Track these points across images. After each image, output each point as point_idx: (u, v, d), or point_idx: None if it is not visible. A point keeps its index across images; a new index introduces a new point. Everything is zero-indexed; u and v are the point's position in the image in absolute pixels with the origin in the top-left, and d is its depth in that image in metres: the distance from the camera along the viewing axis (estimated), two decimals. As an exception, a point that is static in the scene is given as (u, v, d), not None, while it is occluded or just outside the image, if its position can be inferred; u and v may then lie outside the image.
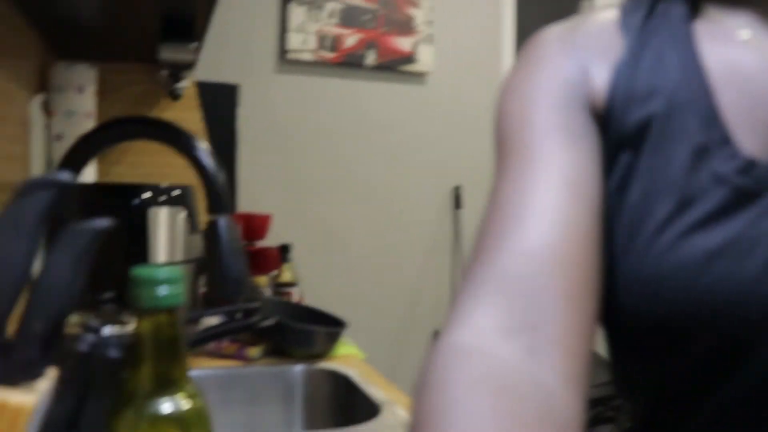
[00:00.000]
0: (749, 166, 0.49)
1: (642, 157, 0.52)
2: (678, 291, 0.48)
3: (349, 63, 2.88)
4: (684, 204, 0.49)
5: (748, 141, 0.50)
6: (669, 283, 0.48)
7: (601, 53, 0.56)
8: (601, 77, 0.55)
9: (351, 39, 2.87)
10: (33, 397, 0.39)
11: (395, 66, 2.94)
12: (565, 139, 0.52)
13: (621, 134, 0.53)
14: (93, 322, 0.42)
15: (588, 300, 0.47)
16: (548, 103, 0.54)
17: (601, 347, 0.57)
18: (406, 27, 2.95)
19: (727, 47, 0.54)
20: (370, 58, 2.90)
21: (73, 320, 1.08)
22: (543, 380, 0.41)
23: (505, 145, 0.55)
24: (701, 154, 0.50)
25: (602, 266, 0.51)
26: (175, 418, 0.44)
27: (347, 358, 1.28)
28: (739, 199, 0.48)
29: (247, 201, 2.77)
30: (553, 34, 0.59)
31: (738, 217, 0.48)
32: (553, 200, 0.49)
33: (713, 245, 0.47)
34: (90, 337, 0.41)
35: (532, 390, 0.40)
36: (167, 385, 0.44)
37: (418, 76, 3.03)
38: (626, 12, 0.59)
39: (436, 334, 3.08)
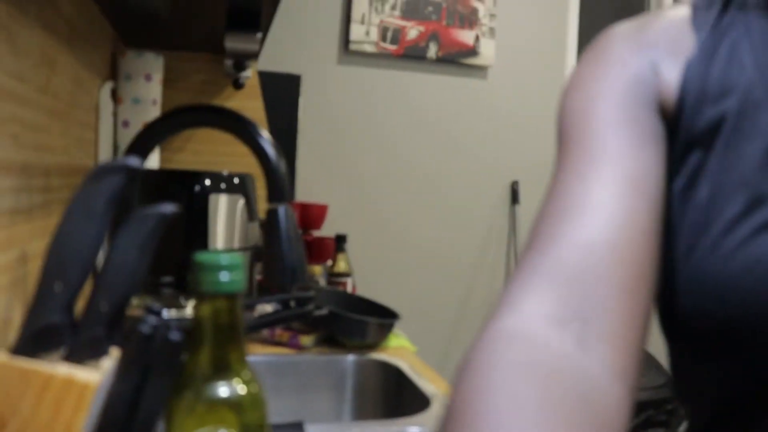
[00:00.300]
0: None
1: (712, 156, 0.51)
2: (746, 292, 0.46)
3: (411, 55, 2.87)
4: (755, 202, 0.48)
5: None
6: (736, 282, 0.46)
7: (672, 50, 0.55)
8: (671, 75, 0.54)
9: (413, 31, 2.86)
10: (98, 374, 0.40)
11: (457, 59, 2.93)
12: (629, 136, 0.51)
13: (692, 133, 0.52)
14: (155, 305, 0.43)
15: (642, 296, 0.46)
16: (615, 100, 0.53)
17: (654, 349, 0.56)
18: (468, 20, 2.92)
19: None
20: (432, 51, 2.89)
21: (135, 302, 1.12)
22: (589, 371, 0.40)
23: (568, 138, 0.54)
24: None
25: (658, 265, 0.50)
26: (232, 402, 0.44)
27: (398, 349, 1.29)
28: None
29: (305, 191, 2.80)
30: (622, 31, 0.58)
31: None
32: (613, 194, 0.48)
33: None
34: (152, 320, 0.42)
35: (577, 379, 0.39)
36: (225, 369, 0.45)
37: (480, 70, 3.00)
38: (699, 8, 0.57)
39: (488, 331, 3.06)
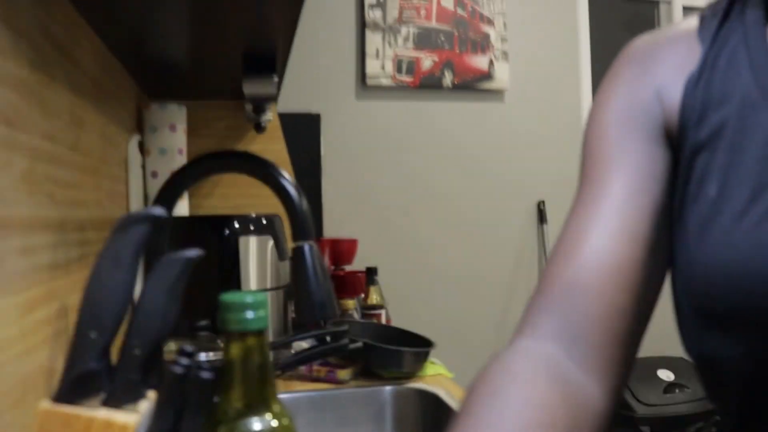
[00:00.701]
0: None
1: (717, 156, 0.54)
2: (754, 275, 0.49)
3: (427, 85, 2.90)
4: (759, 191, 0.51)
5: None
6: (745, 267, 0.50)
7: (678, 67, 0.59)
8: (674, 97, 0.59)
9: (427, 61, 2.90)
10: (136, 416, 0.42)
11: (473, 85, 2.95)
12: (631, 161, 0.57)
13: (697, 141, 0.56)
14: (187, 347, 0.45)
15: (637, 304, 0.54)
16: (620, 128, 0.59)
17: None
18: (480, 45, 2.95)
19: None
20: (448, 79, 2.92)
21: (173, 347, 1.14)
22: (573, 375, 0.51)
23: (583, 163, 0.61)
24: None
25: (658, 279, 0.57)
26: (266, 435, 0.46)
27: (436, 377, 1.29)
28: None
29: (333, 226, 2.82)
30: (634, 51, 0.63)
31: None
32: (617, 214, 0.55)
33: None
34: (185, 361, 0.44)
35: (562, 380, 0.50)
36: (257, 404, 0.46)
37: (496, 94, 3.02)
38: (706, 18, 0.61)
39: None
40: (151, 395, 0.44)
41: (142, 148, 1.47)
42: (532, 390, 0.48)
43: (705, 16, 0.61)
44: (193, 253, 0.44)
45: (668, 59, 0.60)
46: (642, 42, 0.63)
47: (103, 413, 0.41)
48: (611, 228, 0.55)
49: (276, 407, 0.47)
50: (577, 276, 0.53)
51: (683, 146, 0.57)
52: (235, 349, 0.46)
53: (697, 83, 0.57)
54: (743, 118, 0.53)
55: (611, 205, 0.56)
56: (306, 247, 0.83)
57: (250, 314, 0.45)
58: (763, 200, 0.50)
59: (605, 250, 0.53)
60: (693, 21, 0.62)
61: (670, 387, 2.63)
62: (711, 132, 0.55)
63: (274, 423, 0.46)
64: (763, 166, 0.51)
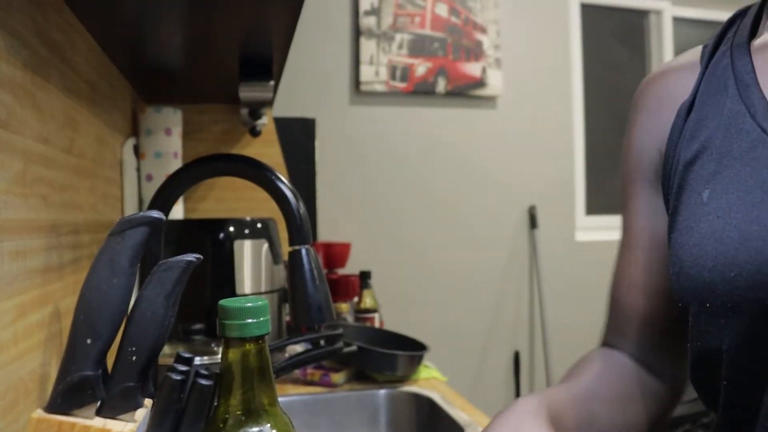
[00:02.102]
0: None
1: (707, 164, 0.59)
2: (742, 268, 0.53)
3: (421, 91, 2.89)
4: (744, 192, 0.55)
5: None
6: (732, 255, 0.54)
7: (681, 97, 0.65)
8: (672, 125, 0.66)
9: (421, 68, 2.89)
10: (132, 426, 0.40)
11: (465, 91, 2.94)
12: (646, 183, 0.69)
13: (688, 156, 0.62)
14: (185, 352, 0.43)
15: (661, 300, 0.67)
16: (639, 153, 0.69)
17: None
18: (474, 53, 2.95)
19: None
20: (441, 85, 2.91)
21: (168, 351, 1.12)
22: (641, 374, 0.68)
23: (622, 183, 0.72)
24: (754, 144, 0.56)
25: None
26: (265, 444, 0.44)
27: (429, 380, 1.27)
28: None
29: (327, 231, 2.81)
30: (649, 86, 0.70)
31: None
32: (639, 233, 0.69)
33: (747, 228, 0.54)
34: (182, 367, 0.42)
35: (636, 374, 0.68)
36: (256, 411, 0.45)
37: (489, 100, 3.01)
38: (706, 47, 0.67)
39: (516, 355, 3.02)
40: (148, 403, 0.43)
41: (138, 152, 1.45)
42: (617, 365, 0.67)
43: (706, 44, 0.68)
44: (192, 258, 0.42)
45: (677, 90, 0.67)
46: (655, 77, 0.71)
47: (99, 423, 0.40)
48: (641, 237, 0.69)
49: (277, 414, 0.45)
50: (623, 293, 0.71)
51: (673, 162, 0.63)
52: (235, 356, 0.44)
53: (690, 108, 0.64)
54: (728, 128, 0.58)
55: (638, 220, 0.70)
56: (303, 251, 0.81)
57: (249, 320, 0.44)
58: (748, 199, 0.54)
59: (640, 260, 0.69)
60: (697, 51, 0.68)
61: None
62: (701, 146, 0.60)
63: (273, 430, 0.45)
64: (749, 169, 0.55)
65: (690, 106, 0.64)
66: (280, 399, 0.47)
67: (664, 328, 0.67)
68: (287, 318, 1.45)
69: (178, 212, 1.52)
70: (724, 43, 0.65)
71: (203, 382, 0.42)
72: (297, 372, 1.29)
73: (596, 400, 0.62)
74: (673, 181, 0.63)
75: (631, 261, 0.69)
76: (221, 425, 0.44)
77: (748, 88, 0.58)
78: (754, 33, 0.64)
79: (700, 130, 0.61)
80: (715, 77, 0.63)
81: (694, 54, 0.68)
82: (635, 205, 0.69)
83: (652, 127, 0.67)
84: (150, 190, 1.45)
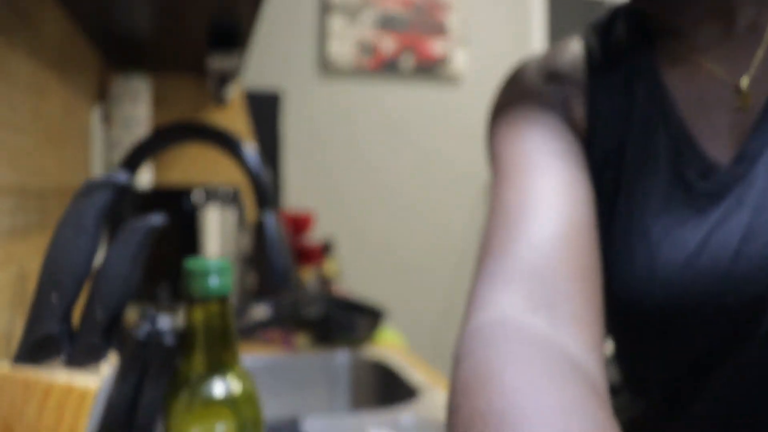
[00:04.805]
0: (710, 170, 0.52)
1: (623, 173, 0.56)
2: (667, 285, 0.50)
3: (387, 68, 2.88)
4: (664, 207, 0.53)
5: (710, 147, 0.53)
6: (661, 275, 0.51)
7: (576, 85, 0.59)
8: (579, 110, 0.59)
9: (388, 45, 2.87)
10: (97, 379, 0.40)
11: (430, 70, 2.94)
12: (556, 152, 0.55)
13: (604, 156, 0.58)
14: (150, 311, 0.43)
15: (594, 281, 0.48)
16: (539, 123, 0.57)
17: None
18: (439, 31, 2.94)
19: (685, 66, 0.56)
20: (407, 63, 2.90)
21: (133, 310, 1.11)
22: (568, 347, 0.41)
23: (502, 159, 0.57)
24: (674, 161, 0.53)
25: (600, 256, 0.55)
26: (226, 400, 0.44)
27: (390, 345, 1.29)
28: (704, 203, 0.51)
29: (292, 201, 2.80)
30: (534, 67, 0.62)
31: (706, 218, 0.50)
32: (553, 198, 0.51)
33: (692, 244, 0.50)
34: (147, 326, 0.42)
35: (562, 353, 0.40)
36: (219, 369, 0.45)
37: (453, 79, 3.01)
38: (590, 43, 0.61)
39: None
40: (113, 358, 0.43)
41: (106, 119, 1.42)
42: (542, 357, 0.39)
43: (589, 40, 0.62)
44: (157, 220, 0.42)
45: (568, 75, 0.60)
46: (537, 63, 0.63)
47: (64, 376, 0.39)
48: (556, 202, 0.51)
49: (239, 372, 0.46)
50: (533, 253, 0.47)
51: (592, 155, 0.58)
52: (199, 316, 0.44)
53: (598, 102, 0.58)
54: (643, 137, 0.55)
55: (550, 181, 0.53)
56: (268, 217, 0.81)
57: (213, 280, 0.44)
58: (668, 216, 0.52)
59: (555, 224, 0.49)
60: (578, 45, 0.62)
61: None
62: (614, 150, 0.57)
63: (236, 387, 0.45)
64: (664, 184, 0.53)
65: (597, 99, 0.58)
66: (244, 360, 0.47)
67: (597, 283, 0.53)
68: (251, 283, 1.44)
69: (147, 179, 1.50)
70: (614, 52, 0.59)
71: (166, 340, 0.42)
72: (260, 334, 1.29)
73: None
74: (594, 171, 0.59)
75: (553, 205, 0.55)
76: (185, 381, 0.44)
77: (658, 98, 0.55)
78: (647, 36, 0.59)
79: (609, 135, 0.58)
80: (618, 72, 0.58)
81: (578, 47, 0.62)
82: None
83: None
84: (117, 157, 1.42)
